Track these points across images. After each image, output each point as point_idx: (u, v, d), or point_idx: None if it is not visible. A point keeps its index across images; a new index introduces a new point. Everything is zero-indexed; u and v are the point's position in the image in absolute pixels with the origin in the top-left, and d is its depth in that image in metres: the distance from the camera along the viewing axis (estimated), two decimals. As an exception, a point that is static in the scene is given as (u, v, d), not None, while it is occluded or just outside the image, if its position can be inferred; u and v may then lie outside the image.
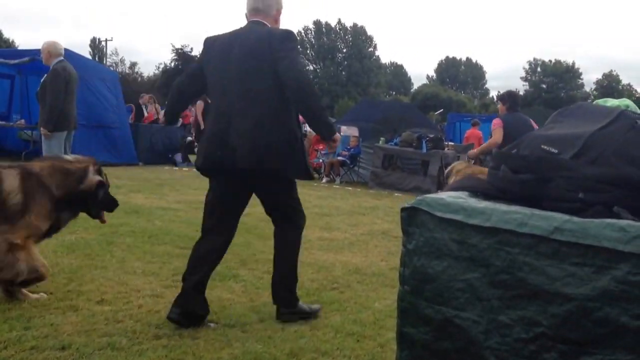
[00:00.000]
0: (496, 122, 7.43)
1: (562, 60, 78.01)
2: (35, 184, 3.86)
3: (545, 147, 2.30)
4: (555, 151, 2.26)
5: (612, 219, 1.92)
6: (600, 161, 2.16)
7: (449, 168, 7.37)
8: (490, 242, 2.01)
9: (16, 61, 11.37)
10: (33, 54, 11.43)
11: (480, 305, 2.01)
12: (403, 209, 2.31)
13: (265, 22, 3.90)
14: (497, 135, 7.19)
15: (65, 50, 13.15)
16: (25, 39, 69.80)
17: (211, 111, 3.98)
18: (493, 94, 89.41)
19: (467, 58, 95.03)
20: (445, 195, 2.28)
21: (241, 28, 3.95)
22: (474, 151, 8.72)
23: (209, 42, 3.96)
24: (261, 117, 3.69)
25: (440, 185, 11.19)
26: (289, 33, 3.79)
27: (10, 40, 58.18)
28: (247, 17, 4.04)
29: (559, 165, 2.18)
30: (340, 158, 14.96)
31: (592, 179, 2.11)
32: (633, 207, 2.03)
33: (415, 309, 2.16)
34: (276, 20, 4.01)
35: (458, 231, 2.10)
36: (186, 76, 4.09)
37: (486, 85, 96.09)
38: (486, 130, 16.25)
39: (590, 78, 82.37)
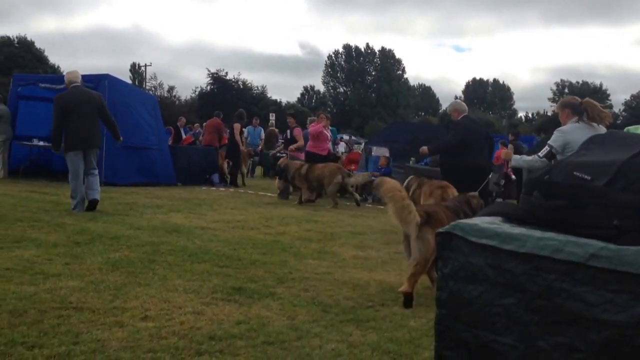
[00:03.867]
0: None
1: (589, 82, 78.22)
2: None
3: (578, 173, 2.34)
4: (588, 178, 2.30)
5: (648, 246, 1.96)
6: (634, 188, 2.20)
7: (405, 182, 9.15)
8: (525, 268, 2.07)
9: (61, 86, 11.78)
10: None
11: (518, 331, 2.05)
12: (438, 234, 2.38)
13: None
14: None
15: (109, 75, 13.71)
16: (70, 65, 72.13)
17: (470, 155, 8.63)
18: (521, 114, 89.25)
19: (494, 79, 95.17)
20: (479, 221, 2.34)
21: (469, 119, 9.22)
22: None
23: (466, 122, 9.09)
24: None
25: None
26: None
27: (56, 66, 59.65)
28: (458, 112, 9.08)
29: (593, 192, 2.23)
30: (372, 178, 15.04)
31: (626, 206, 2.15)
32: (668, 234, 2.07)
33: (453, 332, 2.22)
34: None
35: (493, 256, 2.16)
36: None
37: (514, 106, 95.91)
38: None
39: (618, 99, 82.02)
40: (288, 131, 15.00)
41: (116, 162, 13.05)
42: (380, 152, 15.88)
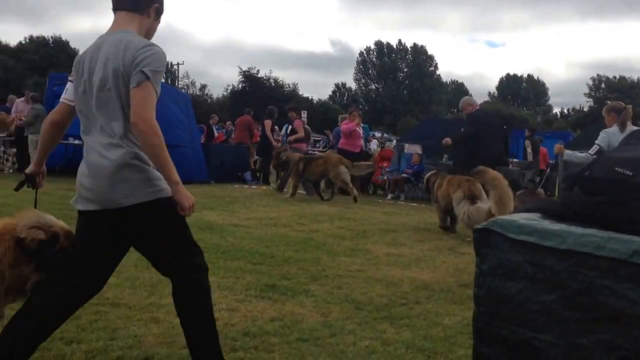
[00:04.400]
0: None
1: (627, 77, 76.95)
2: None
3: (620, 169, 2.29)
4: (630, 173, 2.25)
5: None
6: (678, 184, 2.15)
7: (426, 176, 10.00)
8: (566, 264, 2.04)
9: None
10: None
11: (558, 328, 2.02)
12: (475, 230, 2.36)
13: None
14: None
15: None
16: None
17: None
18: (556, 110, 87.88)
19: (529, 75, 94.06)
20: (517, 217, 2.31)
21: (482, 111, 9.59)
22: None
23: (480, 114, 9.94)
24: None
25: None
26: None
27: (90, 66, 60.51)
28: (472, 105, 10.29)
29: (635, 188, 2.18)
30: (404, 175, 14.96)
31: (670, 202, 2.10)
32: None
33: (491, 329, 2.20)
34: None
35: (532, 253, 2.13)
36: None
37: (549, 102, 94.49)
38: (550, 146, 15.98)
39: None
40: (289, 125, 14.91)
41: (149, 160, 13.18)
42: (413, 149, 15.79)
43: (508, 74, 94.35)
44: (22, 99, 16.31)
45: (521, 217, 2.26)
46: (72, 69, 3.03)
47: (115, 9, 2.99)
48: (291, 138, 14.30)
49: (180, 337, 3.78)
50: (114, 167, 2.81)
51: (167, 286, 4.82)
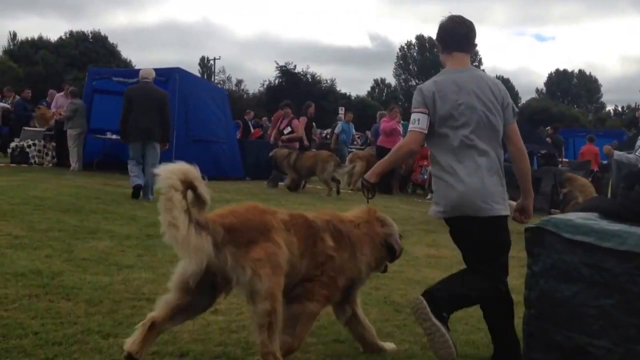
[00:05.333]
0: None
1: (687, 72, 73.99)
2: None
3: (685, 167, 2.16)
4: (697, 171, 2.12)
5: None
6: None
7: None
8: (626, 267, 1.91)
9: (134, 80, 12.15)
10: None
11: (616, 334, 1.90)
12: (527, 229, 2.25)
13: None
14: None
15: (180, 69, 14.01)
16: (141, 59, 74.65)
17: None
18: (610, 107, 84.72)
19: (580, 70, 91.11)
20: (573, 216, 2.19)
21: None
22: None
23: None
24: None
25: (554, 204, 10.88)
26: None
27: (128, 60, 61.41)
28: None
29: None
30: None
31: None
32: None
33: (543, 334, 2.08)
34: None
35: (589, 254, 2.01)
36: None
37: (602, 99, 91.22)
38: (603, 146, 15.57)
39: None
40: (285, 121, 14.59)
41: (185, 156, 12.98)
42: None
43: (557, 70, 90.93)
44: (62, 93, 16.57)
45: (577, 217, 2.13)
46: (421, 101, 3.71)
47: (455, 50, 3.98)
48: (284, 137, 14.16)
49: (215, 334, 3.75)
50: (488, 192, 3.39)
51: (203, 282, 4.80)
